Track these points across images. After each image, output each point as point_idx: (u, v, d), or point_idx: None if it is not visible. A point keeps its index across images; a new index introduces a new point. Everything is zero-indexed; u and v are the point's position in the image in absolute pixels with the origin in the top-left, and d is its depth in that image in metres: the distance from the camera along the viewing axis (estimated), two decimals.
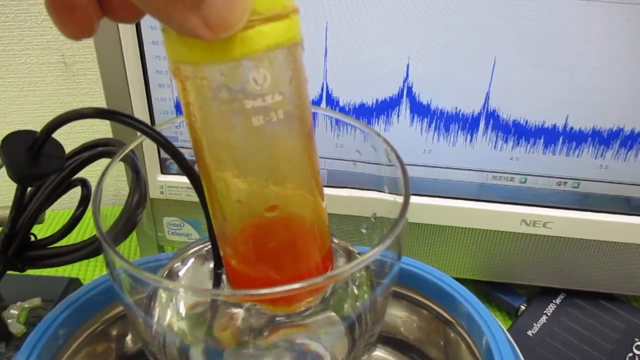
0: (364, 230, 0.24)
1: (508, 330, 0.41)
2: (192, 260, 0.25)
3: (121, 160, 0.27)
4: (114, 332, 0.28)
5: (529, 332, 0.40)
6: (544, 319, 0.41)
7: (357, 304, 0.21)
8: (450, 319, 0.26)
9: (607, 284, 0.42)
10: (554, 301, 0.42)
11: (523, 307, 0.42)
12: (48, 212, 0.32)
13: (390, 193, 0.22)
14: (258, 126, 0.17)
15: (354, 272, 0.21)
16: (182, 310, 0.22)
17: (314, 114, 0.20)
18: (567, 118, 0.36)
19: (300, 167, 0.19)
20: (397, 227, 0.18)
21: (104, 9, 0.17)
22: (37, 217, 0.30)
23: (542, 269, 0.42)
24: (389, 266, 0.20)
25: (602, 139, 0.36)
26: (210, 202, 0.20)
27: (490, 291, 0.44)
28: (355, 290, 0.22)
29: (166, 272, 0.24)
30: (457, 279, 0.28)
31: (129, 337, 0.29)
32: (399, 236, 0.18)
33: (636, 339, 0.39)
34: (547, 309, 0.42)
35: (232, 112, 0.17)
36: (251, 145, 0.18)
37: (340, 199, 0.33)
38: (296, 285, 0.17)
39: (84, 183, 0.31)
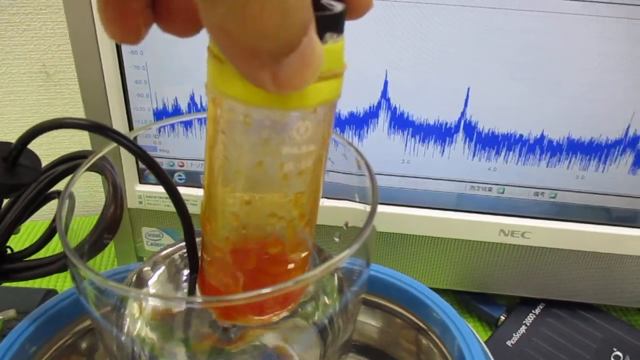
0: (336, 239, 0.24)
1: (488, 340, 0.41)
2: (163, 267, 0.25)
3: (98, 172, 0.27)
4: (84, 345, 0.27)
5: (509, 343, 0.40)
6: (523, 329, 0.41)
7: (327, 310, 0.21)
8: (423, 326, 0.26)
9: (586, 294, 0.42)
10: (533, 311, 0.42)
11: (503, 318, 0.43)
12: (26, 223, 0.32)
13: (361, 202, 0.22)
14: (287, 172, 0.18)
15: (323, 278, 0.20)
16: (150, 320, 0.22)
17: None
18: (543, 129, 0.36)
19: (311, 197, 0.19)
20: (365, 232, 0.18)
21: (159, 18, 0.17)
22: (13, 230, 0.30)
23: (521, 279, 0.42)
24: (357, 273, 0.20)
25: (578, 150, 0.37)
26: (209, 209, 0.20)
27: (471, 301, 0.44)
28: (326, 297, 0.22)
29: (134, 277, 0.24)
30: (437, 290, 0.28)
31: (99, 350, 0.28)
32: (367, 242, 0.18)
33: (614, 349, 0.40)
34: (526, 319, 0.42)
35: (267, 153, 0.17)
36: (273, 182, 0.18)
37: None
38: (267, 290, 0.17)
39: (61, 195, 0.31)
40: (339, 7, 0.16)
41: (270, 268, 0.20)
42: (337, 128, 0.37)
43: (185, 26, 0.17)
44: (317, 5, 0.15)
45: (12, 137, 0.26)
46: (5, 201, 0.29)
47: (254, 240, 0.19)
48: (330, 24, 0.16)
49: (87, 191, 0.58)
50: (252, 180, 0.18)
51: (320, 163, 0.19)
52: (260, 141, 0.17)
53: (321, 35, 0.15)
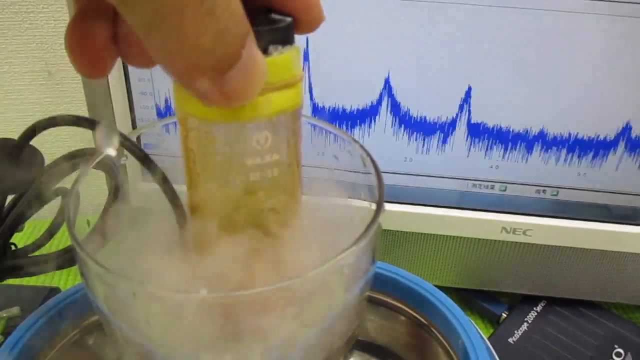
0: None
1: (490, 337, 0.41)
2: None
3: (102, 170, 0.27)
4: (91, 341, 0.27)
5: (511, 340, 0.40)
6: (525, 326, 0.41)
7: (333, 306, 0.21)
8: (426, 323, 0.27)
9: (587, 292, 0.42)
10: (535, 309, 0.43)
11: (505, 315, 0.43)
12: (30, 222, 0.32)
13: (367, 200, 0.22)
14: (254, 180, 0.18)
15: (329, 274, 0.21)
16: (157, 312, 0.22)
17: None
18: (544, 126, 0.36)
19: (286, 199, 0.20)
20: (371, 228, 0.18)
21: (122, 53, 0.18)
22: (17, 226, 0.30)
23: (523, 277, 0.42)
24: (363, 270, 0.20)
25: (579, 147, 0.37)
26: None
27: (473, 299, 0.45)
28: (331, 293, 0.22)
29: None
30: (439, 287, 0.28)
31: (107, 346, 0.29)
32: (373, 239, 0.18)
33: (615, 346, 0.40)
34: (528, 316, 0.42)
35: (232, 165, 0.18)
36: (245, 191, 0.19)
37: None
38: (271, 287, 0.17)
39: (64, 192, 0.31)
40: (285, 21, 0.17)
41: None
42: (342, 127, 0.37)
43: (146, 59, 0.18)
44: (265, 20, 0.16)
45: (14, 135, 0.26)
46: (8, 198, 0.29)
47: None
48: (272, 37, 0.16)
49: (97, 189, 0.58)
50: (227, 189, 0.19)
51: (292, 168, 0.19)
52: (225, 155, 0.18)
53: (264, 48, 0.16)
